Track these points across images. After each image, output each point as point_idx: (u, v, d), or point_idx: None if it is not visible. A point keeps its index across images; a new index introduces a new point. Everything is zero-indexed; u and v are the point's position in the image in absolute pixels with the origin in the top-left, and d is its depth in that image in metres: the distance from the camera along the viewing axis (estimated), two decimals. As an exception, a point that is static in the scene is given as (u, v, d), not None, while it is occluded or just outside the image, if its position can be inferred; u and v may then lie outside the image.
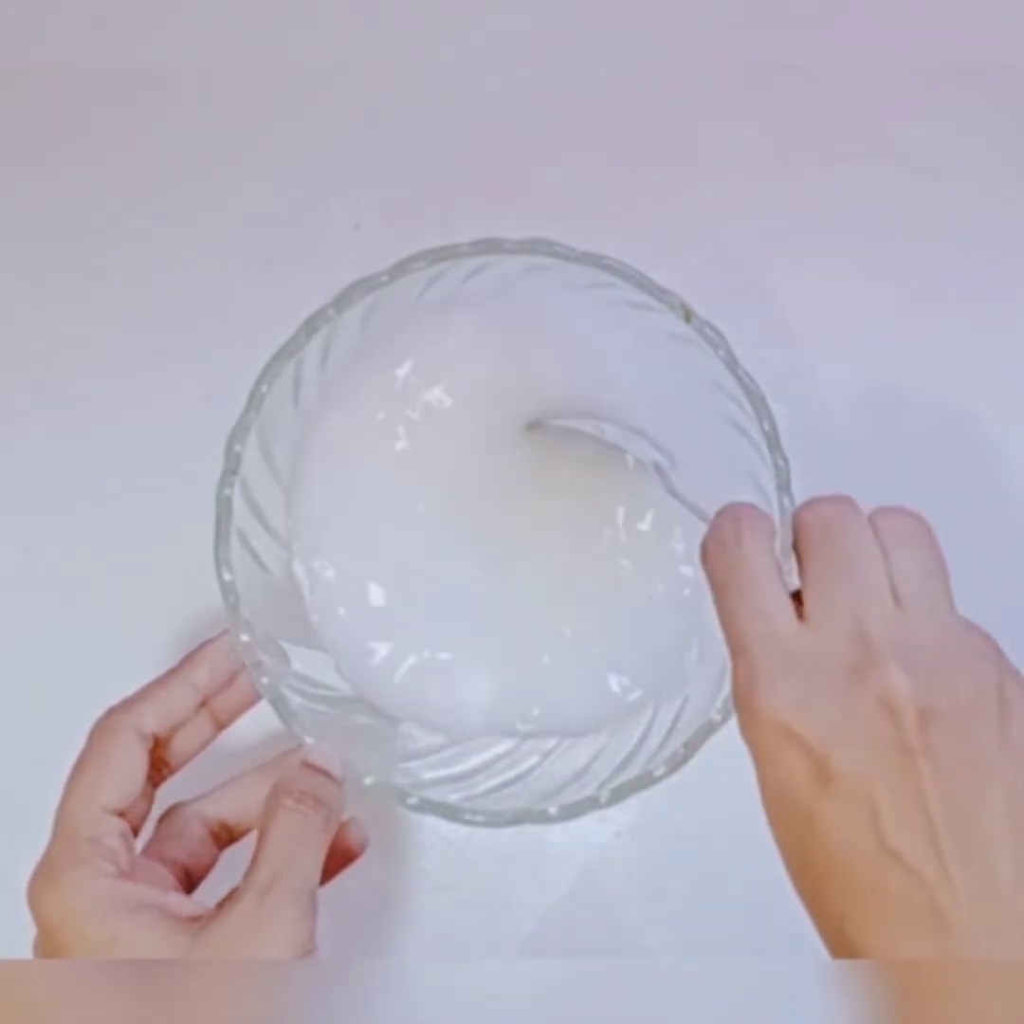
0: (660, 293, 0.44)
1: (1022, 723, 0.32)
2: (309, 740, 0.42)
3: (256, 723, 0.44)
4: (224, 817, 0.43)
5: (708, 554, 0.36)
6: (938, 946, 0.30)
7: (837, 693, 0.32)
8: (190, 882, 0.42)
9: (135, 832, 0.41)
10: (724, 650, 0.36)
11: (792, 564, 0.36)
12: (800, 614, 0.34)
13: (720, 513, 0.37)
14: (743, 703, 0.33)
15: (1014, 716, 0.32)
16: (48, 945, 0.38)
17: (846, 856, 0.32)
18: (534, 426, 0.48)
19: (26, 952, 0.39)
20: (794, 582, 0.36)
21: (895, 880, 0.31)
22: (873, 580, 0.34)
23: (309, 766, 0.42)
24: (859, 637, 0.33)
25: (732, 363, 0.44)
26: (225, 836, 0.43)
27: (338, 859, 0.43)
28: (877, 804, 0.31)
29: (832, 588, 0.34)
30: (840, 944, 0.32)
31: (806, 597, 0.34)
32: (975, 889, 0.30)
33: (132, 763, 0.41)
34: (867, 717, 0.32)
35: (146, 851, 0.42)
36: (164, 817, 0.43)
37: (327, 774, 0.42)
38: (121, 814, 0.40)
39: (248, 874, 0.39)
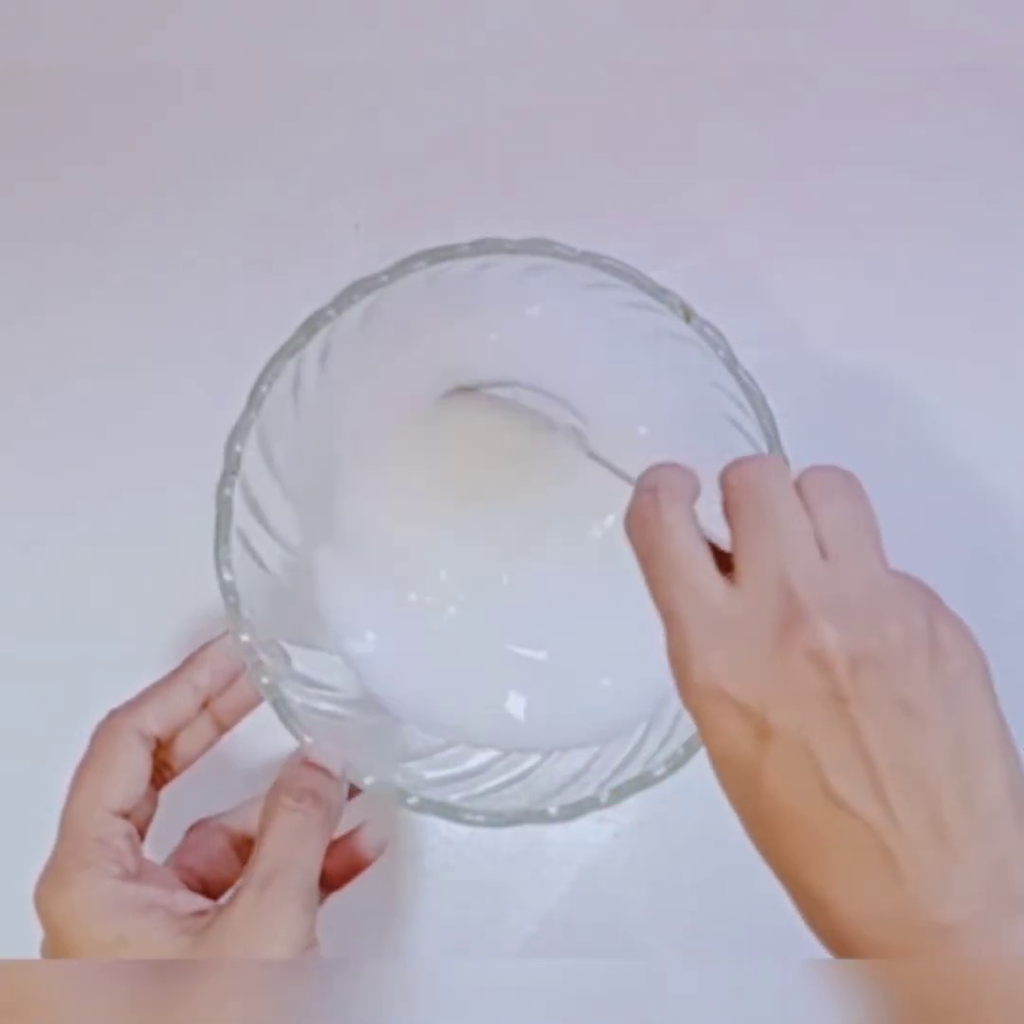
0: (660, 293, 0.44)
1: (955, 664, 0.32)
2: (309, 740, 0.43)
3: (266, 731, 0.44)
4: (247, 831, 0.43)
5: (630, 529, 0.36)
6: (890, 886, 0.31)
7: (768, 652, 0.32)
8: (207, 894, 0.41)
9: (141, 834, 0.41)
10: None
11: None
12: (731, 575, 0.34)
13: (639, 483, 0.36)
14: (678, 673, 0.34)
15: (946, 658, 0.32)
16: (55, 947, 0.38)
17: (794, 807, 0.32)
18: (450, 393, 0.47)
19: (32, 953, 0.39)
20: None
21: (842, 825, 0.31)
22: (797, 535, 0.34)
23: (309, 764, 0.42)
24: (785, 593, 0.33)
25: (732, 363, 0.44)
26: (247, 850, 0.43)
27: (350, 865, 0.43)
28: (817, 754, 0.32)
29: (756, 547, 0.34)
30: (799, 890, 0.33)
31: (735, 558, 0.34)
32: (920, 828, 0.31)
33: (135, 764, 0.41)
34: (798, 672, 0.32)
35: (167, 859, 0.42)
36: (192, 828, 0.43)
37: (327, 772, 0.42)
38: (126, 816, 0.40)
39: (246, 871, 0.39)
